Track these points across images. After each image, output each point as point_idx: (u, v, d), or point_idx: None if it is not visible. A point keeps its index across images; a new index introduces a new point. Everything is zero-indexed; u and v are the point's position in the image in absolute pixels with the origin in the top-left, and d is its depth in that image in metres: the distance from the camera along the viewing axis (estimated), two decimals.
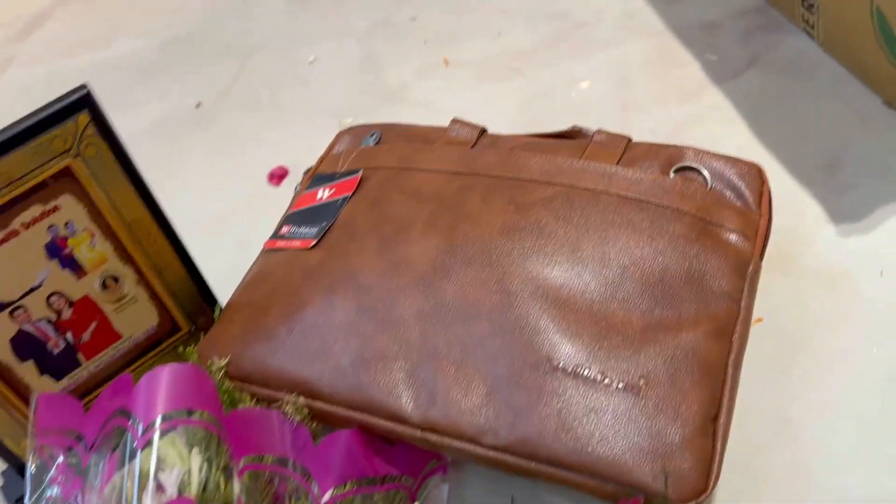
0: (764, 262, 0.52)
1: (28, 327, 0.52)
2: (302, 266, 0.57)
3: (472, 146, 0.59)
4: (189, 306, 0.59)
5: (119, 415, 0.46)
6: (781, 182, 0.65)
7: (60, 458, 0.50)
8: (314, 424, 0.52)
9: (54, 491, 0.50)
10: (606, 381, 0.46)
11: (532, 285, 0.50)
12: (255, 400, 0.53)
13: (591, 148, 0.56)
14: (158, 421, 0.45)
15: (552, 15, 0.90)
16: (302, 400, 0.52)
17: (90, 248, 0.52)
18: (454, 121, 0.61)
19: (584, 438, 0.44)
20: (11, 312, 0.51)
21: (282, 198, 0.69)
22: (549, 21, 0.89)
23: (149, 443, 0.45)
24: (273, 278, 0.57)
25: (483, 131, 0.61)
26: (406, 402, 0.49)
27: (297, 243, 0.58)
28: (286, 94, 0.90)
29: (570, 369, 0.47)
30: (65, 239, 0.51)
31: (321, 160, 0.66)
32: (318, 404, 0.52)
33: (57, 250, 0.51)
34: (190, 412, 0.46)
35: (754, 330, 0.52)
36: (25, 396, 0.54)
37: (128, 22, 1.07)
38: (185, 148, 0.85)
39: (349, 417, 0.51)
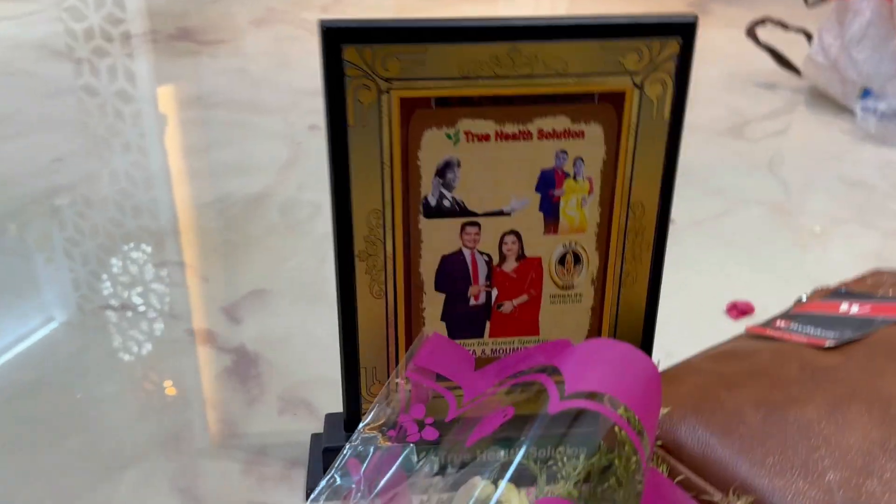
0: None
1: (468, 254, 0.43)
2: (804, 361, 0.41)
3: None
4: None
5: (538, 370, 0.34)
6: None
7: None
8: None
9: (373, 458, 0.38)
10: None
11: None
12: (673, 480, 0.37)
13: None
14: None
15: None
16: None
17: (578, 205, 0.42)
18: None
19: None
20: (465, 227, 0.42)
21: (733, 331, 0.54)
22: None
23: (561, 416, 0.31)
24: (753, 360, 0.42)
25: None
26: None
27: (801, 339, 0.43)
28: (770, 248, 0.77)
29: None
30: (564, 177, 0.42)
31: (845, 283, 0.51)
32: None
33: (549, 184, 0.42)
34: (615, 404, 0.31)
35: None
36: (412, 329, 0.44)
37: None
38: None
39: None
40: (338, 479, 0.35)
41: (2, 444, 0.52)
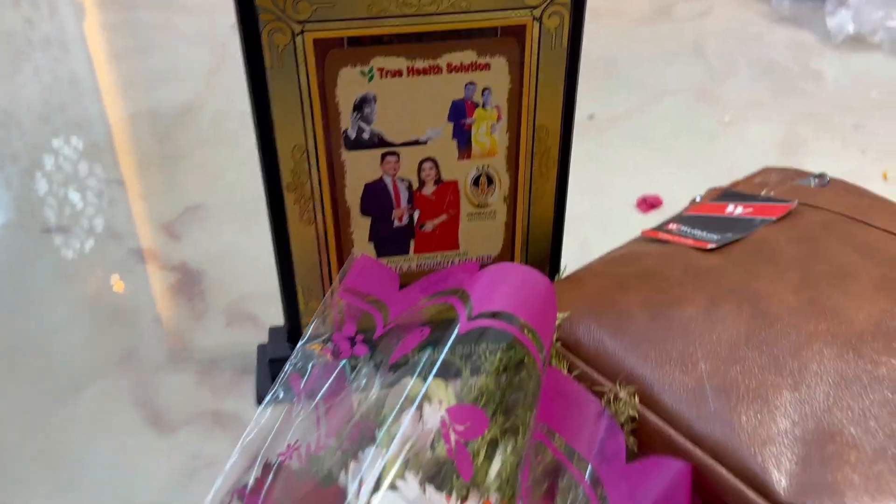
0: None
1: (389, 181, 0.47)
2: (687, 263, 0.46)
3: None
4: (535, 255, 0.51)
5: (450, 293, 0.38)
6: None
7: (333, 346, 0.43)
8: (631, 439, 0.41)
9: (317, 364, 0.43)
10: None
11: None
12: (572, 375, 0.43)
13: None
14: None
15: None
16: (636, 401, 0.40)
17: (488, 131, 0.46)
18: None
19: None
20: (384, 157, 0.46)
21: (643, 223, 0.59)
22: None
23: (469, 334, 0.36)
24: (644, 263, 0.47)
25: None
26: (778, 475, 0.35)
27: (688, 241, 0.48)
28: (682, 140, 0.82)
29: None
30: (474, 107, 0.45)
31: (735, 183, 0.56)
32: (651, 416, 0.40)
33: (460, 114, 0.45)
34: (514, 321, 0.36)
35: None
36: (343, 250, 0.48)
37: None
38: None
39: (684, 449, 0.38)
40: (281, 394, 0.39)
41: None
